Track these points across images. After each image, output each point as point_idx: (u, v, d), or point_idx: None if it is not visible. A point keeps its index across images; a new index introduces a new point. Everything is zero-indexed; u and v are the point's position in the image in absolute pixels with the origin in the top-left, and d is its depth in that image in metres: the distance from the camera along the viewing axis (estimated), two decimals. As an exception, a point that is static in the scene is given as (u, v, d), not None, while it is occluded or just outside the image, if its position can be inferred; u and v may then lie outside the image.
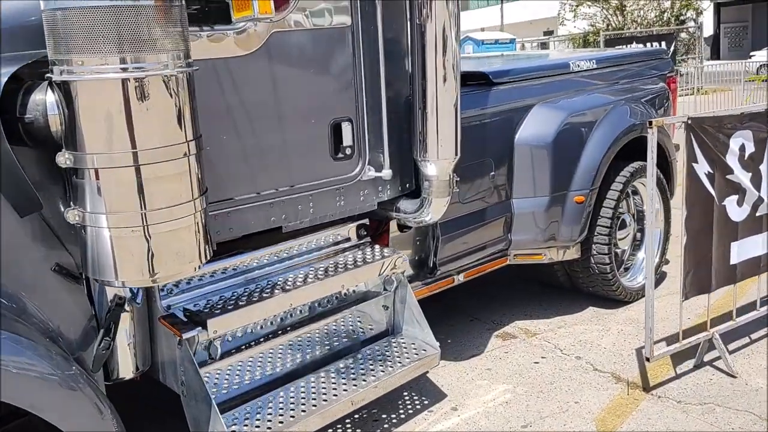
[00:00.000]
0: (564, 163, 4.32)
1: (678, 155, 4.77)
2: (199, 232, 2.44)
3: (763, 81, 16.08)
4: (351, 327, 3.54)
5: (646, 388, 3.72)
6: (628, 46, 17.97)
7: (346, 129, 3.27)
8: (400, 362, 3.37)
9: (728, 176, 3.82)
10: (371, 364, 3.33)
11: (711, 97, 15.83)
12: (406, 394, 3.75)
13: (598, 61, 4.99)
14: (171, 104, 2.29)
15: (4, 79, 2.19)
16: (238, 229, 2.99)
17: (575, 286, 4.90)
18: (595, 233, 4.55)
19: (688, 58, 21.09)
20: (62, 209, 2.41)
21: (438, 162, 3.38)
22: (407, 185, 3.58)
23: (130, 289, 2.72)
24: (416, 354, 3.44)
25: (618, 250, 4.81)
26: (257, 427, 2.86)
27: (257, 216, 3.04)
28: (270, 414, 2.93)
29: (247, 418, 2.89)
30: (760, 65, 19.76)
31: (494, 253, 4.28)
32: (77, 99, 2.18)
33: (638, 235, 4.98)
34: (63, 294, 2.52)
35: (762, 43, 29.02)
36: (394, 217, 3.63)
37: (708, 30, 31.72)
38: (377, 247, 3.57)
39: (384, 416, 3.57)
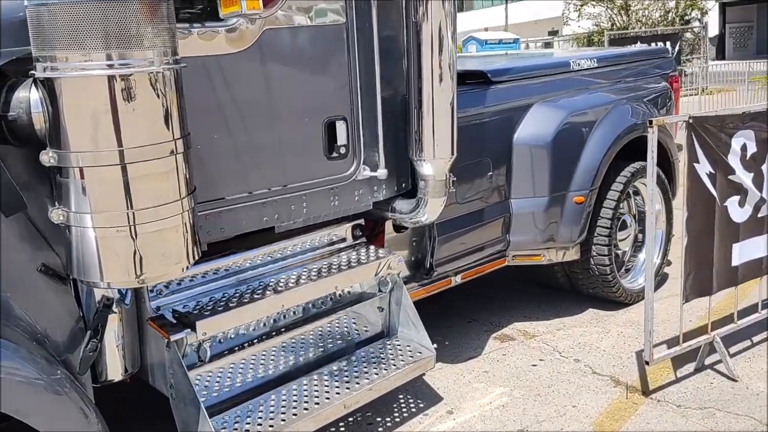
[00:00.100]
0: (563, 163, 4.26)
1: (680, 155, 4.71)
2: (186, 232, 2.39)
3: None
4: (345, 329, 3.49)
5: (646, 391, 3.66)
6: (633, 46, 17.85)
7: (341, 128, 3.22)
8: (394, 365, 3.32)
9: (730, 176, 3.76)
10: (365, 367, 3.28)
11: (715, 97, 15.74)
12: (401, 396, 3.70)
13: (599, 59, 4.93)
14: (157, 102, 2.25)
15: (-12, 77, 2.15)
16: (230, 230, 2.95)
17: (575, 287, 4.84)
18: (595, 234, 4.49)
19: (692, 58, 20.98)
20: (49, 209, 2.37)
21: (434, 161, 3.33)
22: (403, 185, 3.53)
23: (119, 290, 2.68)
24: (411, 356, 3.39)
25: (618, 252, 4.76)
26: (247, 430, 2.82)
27: (249, 216, 2.99)
28: (261, 417, 2.88)
29: (237, 422, 2.85)
30: None
31: (492, 254, 4.23)
32: (61, 96, 2.14)
33: (639, 236, 4.92)
34: (49, 295, 2.47)
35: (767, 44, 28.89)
36: (389, 217, 3.57)
37: (713, 30, 31.57)
38: (372, 247, 3.52)
39: (378, 419, 3.52)
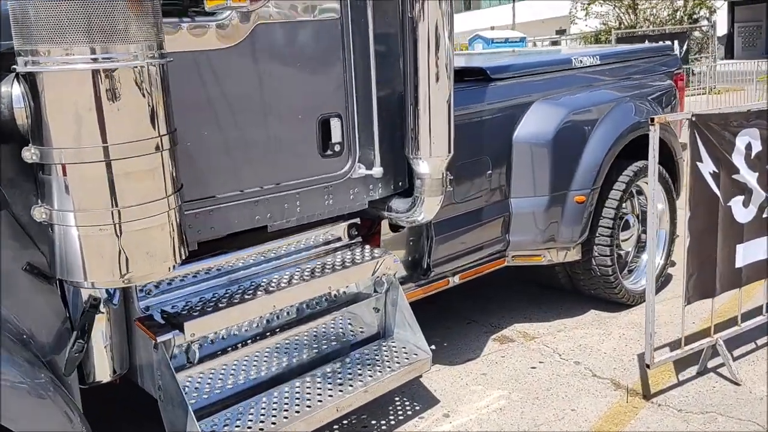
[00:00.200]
0: (564, 162, 4.19)
1: (684, 154, 4.63)
2: (173, 230, 2.34)
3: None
4: (340, 330, 3.43)
5: (647, 395, 3.59)
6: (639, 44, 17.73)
7: (335, 125, 3.16)
8: (389, 367, 3.26)
9: (734, 176, 3.68)
10: (359, 369, 3.22)
11: (723, 96, 15.63)
12: (397, 399, 3.64)
13: (601, 57, 4.86)
14: (142, 97, 2.20)
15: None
16: (221, 228, 2.89)
17: (576, 288, 4.77)
18: (597, 234, 4.42)
19: (701, 57, 20.84)
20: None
21: (430, 160, 3.27)
22: (400, 183, 3.47)
23: (107, 290, 2.63)
24: (407, 358, 3.33)
25: (621, 252, 4.68)
26: (236, 433, 2.76)
27: (241, 214, 2.94)
28: (251, 420, 2.83)
29: (227, 425, 2.79)
30: None
31: (491, 254, 4.16)
32: (43, 91, 2.09)
33: (643, 236, 4.84)
34: (35, 295, 2.43)
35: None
36: (386, 216, 3.51)
37: (722, 29, 31.36)
38: (367, 247, 3.46)
39: (373, 422, 3.46)
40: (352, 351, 3.37)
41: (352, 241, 3.51)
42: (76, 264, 2.21)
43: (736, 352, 3.91)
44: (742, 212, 3.75)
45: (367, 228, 3.63)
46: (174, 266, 2.37)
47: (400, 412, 3.53)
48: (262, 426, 2.80)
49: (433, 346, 4.05)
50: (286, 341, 3.23)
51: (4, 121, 2.16)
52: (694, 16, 23.76)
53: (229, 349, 3.02)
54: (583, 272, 4.55)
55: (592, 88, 4.63)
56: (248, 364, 3.09)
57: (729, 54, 33.07)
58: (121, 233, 2.20)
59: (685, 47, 19.08)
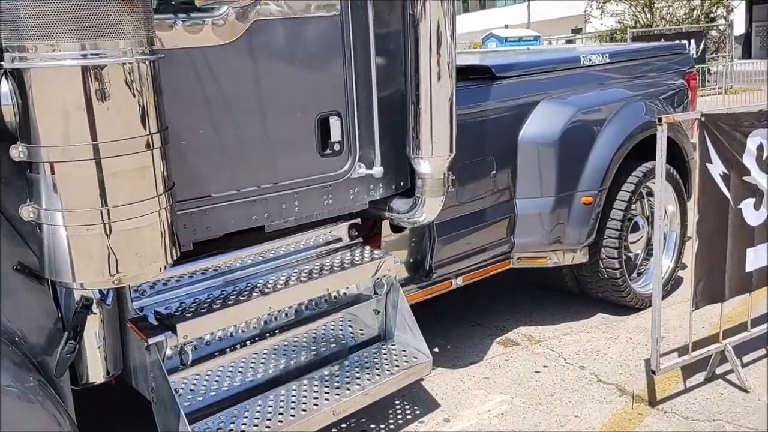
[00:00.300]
0: (571, 162, 4.11)
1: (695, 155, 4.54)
2: (164, 230, 2.30)
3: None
4: (340, 332, 3.38)
5: (653, 402, 3.51)
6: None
7: (335, 123, 3.11)
8: (388, 370, 3.20)
9: (745, 177, 3.59)
10: (358, 372, 3.17)
11: (740, 96, 15.41)
12: (397, 402, 3.58)
13: (611, 55, 4.77)
14: (132, 94, 2.16)
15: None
16: (217, 228, 2.85)
17: (584, 291, 4.69)
18: (605, 236, 4.34)
19: (718, 57, 20.57)
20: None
21: (432, 159, 3.20)
22: (401, 183, 3.41)
23: (100, 290, 2.60)
24: (406, 362, 3.27)
25: (630, 255, 4.60)
26: (230, 437, 2.72)
27: (237, 214, 2.89)
28: (245, 423, 2.78)
29: (220, 427, 2.75)
30: None
31: (496, 255, 4.09)
32: (31, 88, 2.06)
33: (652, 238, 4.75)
34: (25, 295, 2.40)
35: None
36: (386, 217, 3.45)
37: (739, 28, 30.96)
38: (368, 248, 3.40)
39: (373, 426, 3.40)
40: (351, 354, 3.32)
41: (353, 242, 3.45)
42: (64, 264, 2.18)
43: (746, 359, 3.82)
44: (753, 215, 3.66)
45: (368, 229, 3.57)
46: (165, 267, 2.33)
47: (399, 416, 3.48)
48: (256, 429, 2.75)
49: (435, 349, 4.02)
50: (284, 343, 3.19)
51: (-8, 118, 2.13)
52: (711, 15, 23.45)
53: (226, 350, 2.98)
54: (591, 275, 4.47)
55: (601, 86, 4.54)
56: (244, 367, 3.05)
57: (746, 53, 32.65)
58: (110, 233, 2.16)
59: (701, 46, 18.84)
